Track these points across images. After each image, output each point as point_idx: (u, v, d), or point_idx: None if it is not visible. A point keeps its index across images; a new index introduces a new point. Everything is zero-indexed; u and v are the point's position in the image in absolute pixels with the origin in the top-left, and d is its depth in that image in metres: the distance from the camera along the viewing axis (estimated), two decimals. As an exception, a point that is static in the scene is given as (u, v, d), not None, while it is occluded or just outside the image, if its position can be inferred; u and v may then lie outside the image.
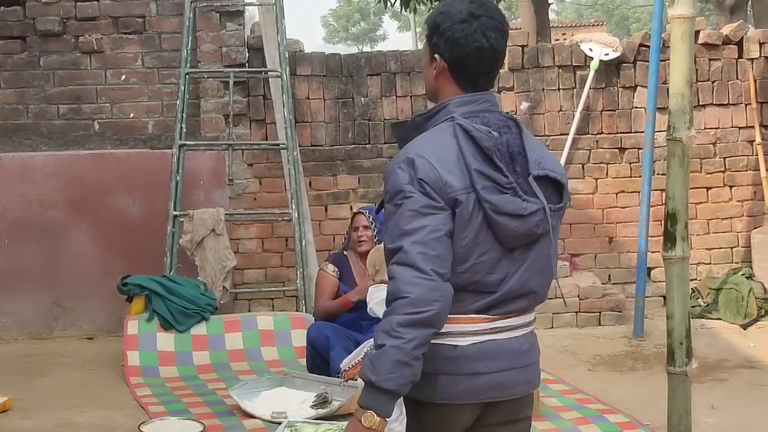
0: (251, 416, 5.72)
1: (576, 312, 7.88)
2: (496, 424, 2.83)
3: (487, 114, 2.74)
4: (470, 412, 2.77)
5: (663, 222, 3.81)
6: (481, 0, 2.80)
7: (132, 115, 8.24)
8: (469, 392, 2.73)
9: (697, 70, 8.25)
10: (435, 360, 2.67)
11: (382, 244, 6.37)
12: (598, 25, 37.29)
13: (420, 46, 46.57)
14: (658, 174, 7.88)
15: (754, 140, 8.40)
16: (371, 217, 6.63)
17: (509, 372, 2.78)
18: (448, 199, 2.60)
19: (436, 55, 2.78)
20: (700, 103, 8.33)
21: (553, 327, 7.84)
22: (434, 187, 2.59)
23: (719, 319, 7.95)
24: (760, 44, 8.44)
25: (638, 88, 8.32)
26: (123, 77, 8.22)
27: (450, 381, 2.71)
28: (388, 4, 16.31)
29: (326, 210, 8.25)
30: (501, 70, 8.18)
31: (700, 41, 8.25)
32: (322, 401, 5.66)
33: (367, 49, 54.16)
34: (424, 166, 2.60)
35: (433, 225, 2.58)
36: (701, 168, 8.38)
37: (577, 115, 8.24)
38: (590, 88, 8.26)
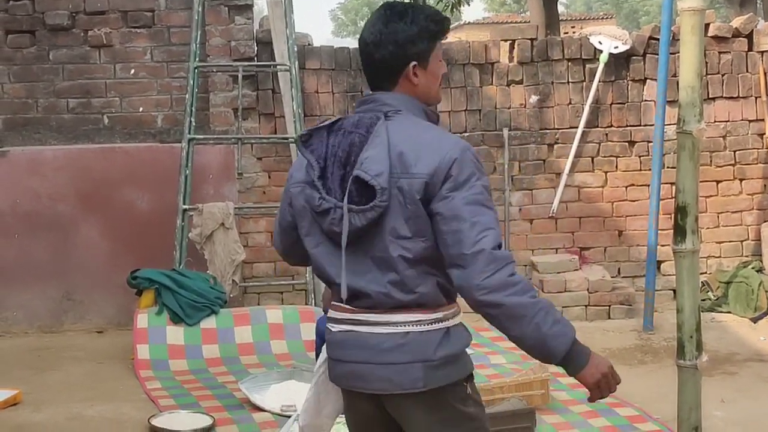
0: (260, 409, 5.74)
1: (585, 305, 7.88)
2: (402, 420, 2.92)
3: (358, 114, 2.90)
4: (365, 401, 2.93)
5: (673, 215, 3.79)
6: (395, 3, 2.96)
7: (141, 109, 8.24)
8: (338, 378, 2.96)
9: (706, 63, 8.23)
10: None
11: None
12: (607, 18, 37.25)
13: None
14: (667, 167, 7.88)
15: (764, 133, 8.39)
16: None
17: (367, 365, 2.84)
18: (286, 192, 3.02)
19: None
20: (710, 96, 8.32)
21: (562, 320, 7.82)
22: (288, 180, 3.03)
23: (729, 312, 7.94)
24: (771, 37, 8.42)
25: (648, 81, 8.31)
26: (132, 71, 8.22)
27: (330, 364, 2.98)
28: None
29: (335, 203, 8.23)
30: (510, 63, 8.31)
31: (709, 34, 8.23)
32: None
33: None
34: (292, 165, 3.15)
35: (280, 212, 3.10)
36: (711, 161, 8.37)
37: (587, 109, 8.23)
38: (600, 81, 8.25)
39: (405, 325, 2.82)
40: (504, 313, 2.71)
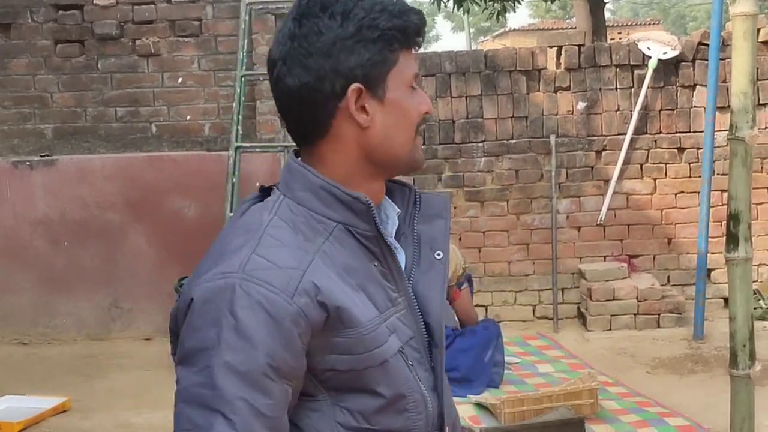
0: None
1: (634, 314, 7.80)
2: None
3: None
4: None
5: (725, 223, 3.74)
6: None
7: (189, 117, 8.29)
8: None
9: (757, 68, 8.11)
10: None
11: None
12: (654, 23, 37.05)
13: (474, 47, 45.96)
14: (717, 174, 7.79)
15: (817, 139, 8.26)
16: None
17: None
18: None
19: None
20: (761, 102, 8.20)
21: (611, 329, 7.77)
22: None
23: (781, 321, 7.84)
24: (822, 41, 8.30)
25: (697, 87, 8.21)
26: (180, 80, 8.27)
27: None
28: (442, 4, 16.29)
29: (382, 211, 8.22)
30: (557, 69, 8.27)
31: (760, 39, 8.13)
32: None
33: (420, 50, 54.13)
34: None
35: None
36: (762, 168, 8.26)
37: (635, 115, 8.15)
38: (648, 88, 8.17)
39: None
40: None
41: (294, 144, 1.75)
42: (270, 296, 1.55)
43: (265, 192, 1.74)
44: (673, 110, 8.27)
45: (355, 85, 1.66)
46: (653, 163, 8.29)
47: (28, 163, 7.96)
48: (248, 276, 1.55)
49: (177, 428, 1.54)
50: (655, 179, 8.31)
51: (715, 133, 7.63)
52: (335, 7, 1.65)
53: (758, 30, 7.86)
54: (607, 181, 8.24)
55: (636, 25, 36.52)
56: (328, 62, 1.64)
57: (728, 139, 3.64)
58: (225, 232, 1.69)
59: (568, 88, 8.27)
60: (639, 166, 8.29)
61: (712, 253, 7.84)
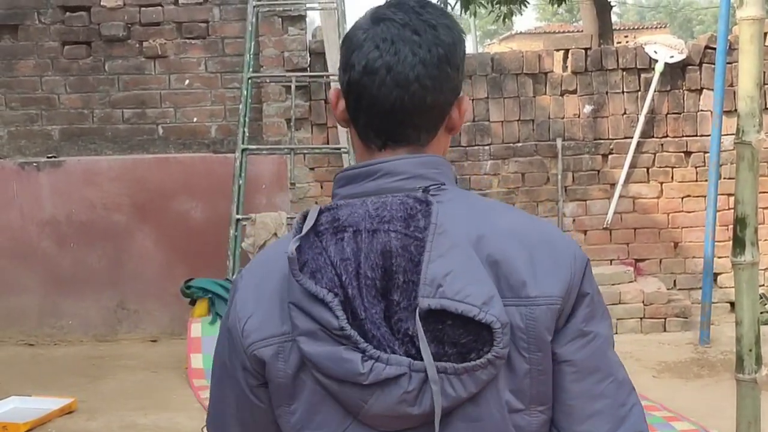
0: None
1: (641, 318, 7.79)
2: None
3: (365, 199, 1.52)
4: None
5: (732, 227, 3.74)
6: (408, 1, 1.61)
7: (195, 119, 8.30)
8: None
9: (764, 72, 8.10)
10: None
11: None
12: (660, 27, 36.99)
13: (481, 50, 46.02)
14: (724, 178, 7.77)
15: (824, 143, 8.24)
16: None
17: None
18: (243, 359, 1.57)
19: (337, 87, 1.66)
20: (768, 106, 8.19)
21: (617, 333, 7.75)
22: (233, 335, 1.59)
23: (787, 325, 7.82)
24: (830, 46, 8.28)
25: (704, 90, 8.21)
26: (186, 82, 8.28)
27: None
28: (448, 7, 16.28)
29: (388, 214, 8.21)
30: (564, 73, 8.26)
31: (767, 43, 8.11)
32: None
33: (427, 53, 53.91)
34: (234, 300, 1.62)
35: (224, 400, 1.65)
36: (769, 172, 8.25)
37: (642, 119, 8.15)
38: (655, 91, 8.16)
39: None
40: None
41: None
42: None
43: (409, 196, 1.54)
44: (680, 114, 8.27)
45: (461, 94, 1.65)
46: (660, 167, 8.29)
47: (35, 164, 7.98)
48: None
49: (616, 370, 1.61)
50: (661, 183, 8.30)
51: (722, 137, 7.62)
52: (446, 21, 1.60)
53: (765, 34, 7.84)
54: (613, 185, 8.24)
55: (643, 28, 36.46)
56: (458, 77, 1.62)
57: (735, 143, 3.63)
58: (483, 222, 1.54)
59: (574, 92, 8.27)
60: (645, 169, 8.29)
61: (719, 257, 7.84)
